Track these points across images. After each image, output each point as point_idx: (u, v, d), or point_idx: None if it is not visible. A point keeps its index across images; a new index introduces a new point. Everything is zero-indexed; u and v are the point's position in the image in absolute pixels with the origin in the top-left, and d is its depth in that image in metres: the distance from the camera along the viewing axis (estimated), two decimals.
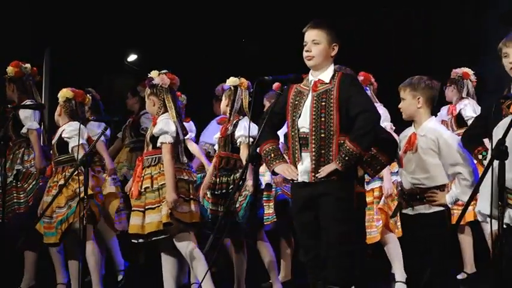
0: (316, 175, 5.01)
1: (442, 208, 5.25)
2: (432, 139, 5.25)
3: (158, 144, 6.31)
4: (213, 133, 7.97)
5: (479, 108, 7.90)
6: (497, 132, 4.05)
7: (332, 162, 4.98)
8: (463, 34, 10.08)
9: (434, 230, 5.21)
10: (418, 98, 5.32)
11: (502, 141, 3.76)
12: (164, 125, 6.30)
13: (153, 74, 6.51)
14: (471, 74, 8.10)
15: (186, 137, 7.30)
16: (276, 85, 7.56)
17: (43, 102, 9.78)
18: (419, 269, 5.15)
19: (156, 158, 6.35)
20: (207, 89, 8.80)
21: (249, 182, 6.53)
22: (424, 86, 5.36)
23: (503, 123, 4.14)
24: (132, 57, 12.59)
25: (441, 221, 5.25)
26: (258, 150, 5.49)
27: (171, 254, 6.45)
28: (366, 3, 10.48)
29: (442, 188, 5.27)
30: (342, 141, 4.98)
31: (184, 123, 7.38)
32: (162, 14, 11.11)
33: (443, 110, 8.16)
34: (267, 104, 7.76)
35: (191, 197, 6.33)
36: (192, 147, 7.50)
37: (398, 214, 5.47)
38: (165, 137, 6.27)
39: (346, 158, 4.93)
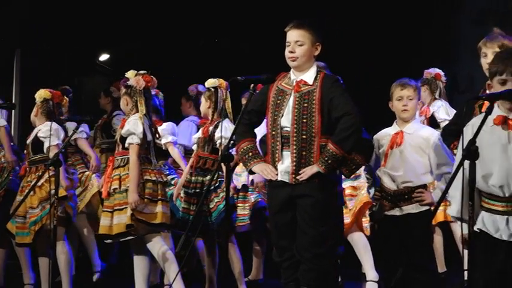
0: (297, 177, 4.99)
1: (427, 207, 5.30)
2: (423, 138, 5.35)
3: (126, 145, 6.30)
4: (183, 134, 7.94)
5: (453, 110, 7.94)
6: (467, 131, 4.07)
7: (313, 163, 4.97)
8: (435, 34, 10.13)
9: (421, 229, 5.25)
10: (418, 100, 5.49)
11: (472, 141, 3.77)
12: (131, 126, 6.28)
13: (130, 74, 6.49)
14: (442, 75, 8.14)
15: (168, 141, 7.28)
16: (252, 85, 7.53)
17: (13, 102, 9.75)
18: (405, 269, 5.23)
19: (125, 158, 6.33)
20: (176, 89, 8.77)
21: (231, 185, 6.53)
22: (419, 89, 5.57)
23: (472, 123, 4.16)
24: (104, 57, 12.53)
25: (427, 220, 5.32)
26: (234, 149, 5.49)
27: (142, 254, 6.42)
28: (340, 3, 10.49)
29: (425, 187, 5.33)
30: (324, 143, 4.97)
31: (165, 125, 7.37)
32: (134, 13, 11.06)
33: None
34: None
35: (159, 197, 6.31)
36: (173, 151, 7.45)
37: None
38: (132, 138, 6.25)
39: (329, 161, 4.92)
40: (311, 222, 4.98)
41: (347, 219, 7.03)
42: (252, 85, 5.00)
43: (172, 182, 7.23)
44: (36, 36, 10.49)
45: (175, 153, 7.43)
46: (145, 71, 6.52)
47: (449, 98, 8.28)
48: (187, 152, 7.90)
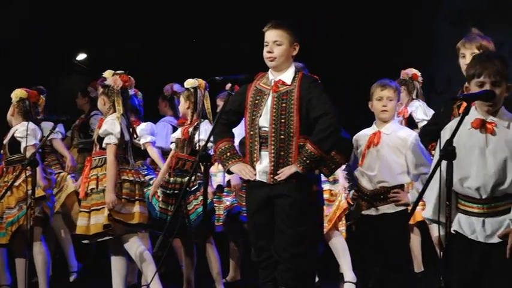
0: (275, 177, 4.99)
1: (404, 208, 5.31)
2: (401, 138, 5.36)
3: (103, 145, 6.28)
4: (159, 136, 7.91)
5: (430, 110, 7.96)
6: (445, 134, 4.07)
7: (291, 163, 4.97)
8: (413, 35, 10.16)
9: (397, 229, 5.27)
10: (398, 101, 5.49)
11: (449, 141, 3.78)
12: (109, 126, 6.26)
13: (107, 74, 6.47)
14: (419, 75, 8.16)
15: (147, 141, 7.26)
16: (228, 85, 7.52)
17: None
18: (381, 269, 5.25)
19: (102, 158, 6.32)
20: (157, 89, 8.73)
21: (210, 189, 6.50)
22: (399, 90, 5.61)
23: (450, 125, 4.17)
24: (81, 57, 12.48)
25: (403, 220, 5.33)
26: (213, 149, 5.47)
27: (120, 254, 6.41)
28: (316, 4, 10.50)
29: (402, 187, 5.34)
30: (302, 143, 4.97)
31: (143, 125, 7.35)
32: (113, 13, 11.02)
33: None
34: (220, 104, 7.71)
35: (137, 197, 6.30)
36: (152, 151, 7.42)
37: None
38: (110, 138, 6.24)
39: (308, 161, 4.92)
40: (289, 222, 4.97)
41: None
42: (229, 85, 5.01)
43: (151, 182, 7.20)
44: (12, 35, 10.43)
45: (154, 153, 7.41)
46: (122, 71, 6.50)
47: (427, 98, 8.30)
48: (164, 153, 7.89)
